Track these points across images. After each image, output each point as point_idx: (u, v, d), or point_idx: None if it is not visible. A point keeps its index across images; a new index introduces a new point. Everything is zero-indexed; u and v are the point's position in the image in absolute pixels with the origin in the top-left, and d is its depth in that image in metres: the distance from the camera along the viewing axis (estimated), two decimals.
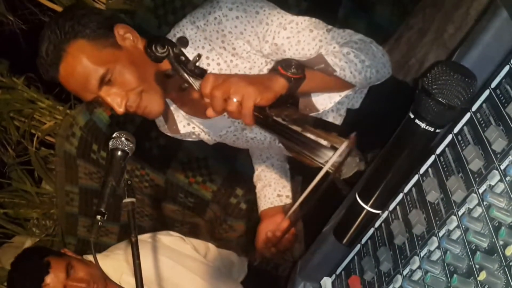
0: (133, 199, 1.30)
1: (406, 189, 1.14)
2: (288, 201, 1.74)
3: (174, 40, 1.35)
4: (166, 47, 1.22)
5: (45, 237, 3.43)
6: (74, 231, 3.25)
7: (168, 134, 1.67)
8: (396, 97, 1.38)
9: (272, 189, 1.76)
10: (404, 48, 1.89)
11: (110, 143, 1.32)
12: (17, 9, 2.80)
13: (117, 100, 1.35)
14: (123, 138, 1.31)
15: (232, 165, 2.56)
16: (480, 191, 0.93)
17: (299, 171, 1.81)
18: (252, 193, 1.92)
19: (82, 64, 1.31)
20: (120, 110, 1.35)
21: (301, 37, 1.37)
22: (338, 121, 1.54)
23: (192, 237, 2.44)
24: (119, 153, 1.31)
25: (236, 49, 1.40)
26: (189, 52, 1.37)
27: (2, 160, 3.10)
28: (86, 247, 3.15)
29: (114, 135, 1.32)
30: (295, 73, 1.23)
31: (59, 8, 2.53)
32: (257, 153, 1.82)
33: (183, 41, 1.27)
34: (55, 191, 3.19)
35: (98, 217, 1.26)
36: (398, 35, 2.02)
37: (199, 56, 1.27)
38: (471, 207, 0.94)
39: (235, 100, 1.15)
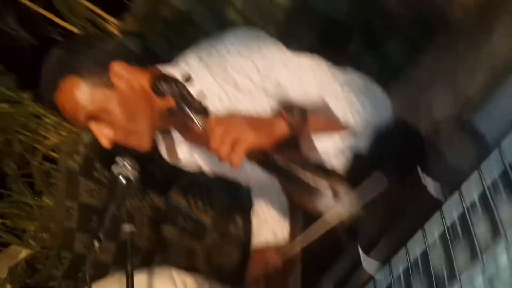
0: (133, 228, 1.29)
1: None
2: (283, 241, 1.71)
3: (177, 68, 1.35)
4: (171, 83, 1.21)
5: (41, 249, 3.41)
6: (70, 246, 3.22)
7: (169, 161, 1.66)
8: (403, 143, 1.36)
9: (269, 227, 1.73)
10: (414, 89, 1.87)
11: (114, 169, 1.31)
12: (29, 25, 2.82)
13: (102, 134, 1.36)
14: (127, 165, 1.30)
15: (234, 193, 2.54)
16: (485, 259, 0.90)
17: (298, 210, 1.78)
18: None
19: (72, 100, 1.34)
20: (106, 144, 1.36)
21: (304, 76, 1.36)
22: (341, 162, 1.52)
23: (188, 262, 2.40)
24: (123, 181, 1.31)
25: (239, 84, 1.39)
26: (192, 84, 1.37)
27: (4, 171, 3.09)
28: (81, 263, 3.13)
29: (118, 160, 1.31)
30: (298, 118, 1.22)
31: (71, 28, 2.55)
32: (257, 187, 1.80)
33: (186, 76, 1.26)
34: (54, 205, 3.18)
35: (96, 243, 1.25)
36: (408, 75, 2.00)
37: (203, 94, 1.26)
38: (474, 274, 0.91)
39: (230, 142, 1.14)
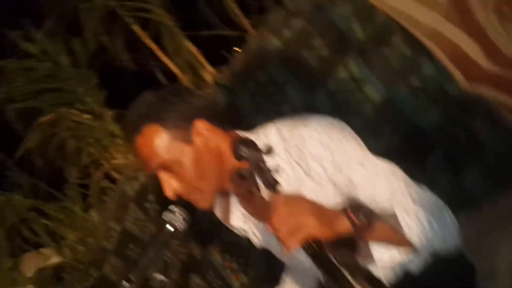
0: (165, 279, 1.27)
1: None
2: None
3: (258, 138, 1.36)
4: (252, 150, 1.22)
5: (72, 260, 3.46)
6: (100, 266, 3.25)
7: (220, 218, 1.66)
8: (456, 277, 1.30)
9: None
10: (483, 226, 1.80)
11: (165, 215, 1.32)
12: (134, 50, 2.98)
13: (169, 186, 1.37)
14: (179, 215, 1.30)
15: (271, 267, 2.49)
16: None
17: None
18: None
19: (150, 146, 1.37)
20: (169, 194, 1.37)
21: (378, 181, 1.34)
22: (389, 276, 1.46)
23: None
24: (170, 229, 1.30)
25: (310, 169, 1.38)
26: (270, 156, 1.37)
27: (64, 176, 3.20)
28: (104, 285, 3.13)
29: (171, 207, 1.31)
30: (363, 221, 1.19)
31: (171, 65, 2.67)
32: (293, 269, 1.75)
33: (269, 149, 1.26)
34: (99, 222, 3.23)
35: (125, 284, 1.24)
36: (481, 210, 1.94)
37: (278, 168, 1.26)
38: None
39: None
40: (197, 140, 1.37)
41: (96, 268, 3.31)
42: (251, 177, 1.23)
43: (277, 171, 1.25)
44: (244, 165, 1.27)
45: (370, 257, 1.32)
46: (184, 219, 1.34)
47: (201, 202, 1.41)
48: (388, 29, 2.38)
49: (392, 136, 2.35)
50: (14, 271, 3.55)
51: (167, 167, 1.36)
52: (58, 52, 3.13)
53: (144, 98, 1.39)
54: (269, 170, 1.24)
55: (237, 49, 2.84)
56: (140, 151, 1.37)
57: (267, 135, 1.43)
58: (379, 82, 2.39)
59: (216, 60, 2.86)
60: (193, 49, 2.75)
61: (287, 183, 1.40)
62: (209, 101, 1.44)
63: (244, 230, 1.62)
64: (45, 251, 3.55)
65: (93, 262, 3.33)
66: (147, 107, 1.37)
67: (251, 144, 1.23)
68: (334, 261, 1.24)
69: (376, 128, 2.35)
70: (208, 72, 2.58)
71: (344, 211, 1.21)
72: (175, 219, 1.33)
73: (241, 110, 2.38)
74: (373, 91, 2.41)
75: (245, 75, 2.56)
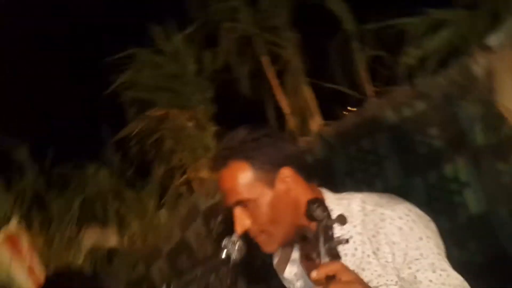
0: None
1: None
2: None
3: (338, 204, 1.32)
4: (325, 214, 1.18)
5: (126, 248, 3.55)
6: (149, 263, 3.31)
7: (274, 266, 1.62)
8: None
9: None
10: None
11: (225, 241, 1.32)
12: (255, 77, 3.05)
13: (242, 222, 1.36)
14: (237, 247, 1.29)
15: None
16: None
17: None
18: None
19: (232, 181, 1.36)
20: (239, 230, 1.35)
21: None
22: None
23: None
24: (224, 256, 1.29)
25: (379, 251, 1.31)
26: (341, 226, 1.33)
27: (150, 170, 3.31)
28: (147, 282, 3.17)
29: (233, 237, 1.30)
30: None
31: (284, 103, 2.70)
32: None
33: (342, 219, 1.22)
34: (164, 223, 3.31)
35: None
36: None
37: (347, 241, 1.21)
38: None
39: None
40: (280, 186, 1.37)
41: (145, 263, 3.37)
42: (315, 240, 1.19)
43: (342, 242, 1.20)
44: (312, 227, 1.24)
45: None
46: (240, 252, 1.34)
47: (266, 245, 1.40)
48: (510, 145, 2.25)
49: (477, 252, 2.19)
50: (75, 241, 3.70)
51: (243, 205, 1.36)
52: (188, 57, 3.28)
53: (239, 133, 1.40)
54: (334, 240, 1.19)
55: (351, 109, 2.82)
56: (222, 183, 1.38)
57: (350, 203, 1.39)
58: (483, 193, 2.24)
59: (327, 112, 2.85)
60: (310, 95, 2.76)
61: (353, 255, 1.34)
62: (302, 151, 1.43)
63: (293, 285, 1.58)
64: (107, 230, 3.67)
65: (144, 257, 3.39)
66: (239, 143, 1.38)
67: (325, 208, 1.19)
68: None
69: (463, 238, 2.20)
70: (316, 122, 2.57)
71: None
72: (232, 249, 1.33)
73: (335, 170, 2.33)
74: (474, 200, 2.27)
75: (350, 137, 2.52)
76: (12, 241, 3.59)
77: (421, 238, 1.28)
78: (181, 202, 3.24)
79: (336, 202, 1.41)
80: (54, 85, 4.25)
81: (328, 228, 1.18)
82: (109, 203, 3.47)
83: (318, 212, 1.18)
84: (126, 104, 3.46)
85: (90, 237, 3.72)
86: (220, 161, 1.37)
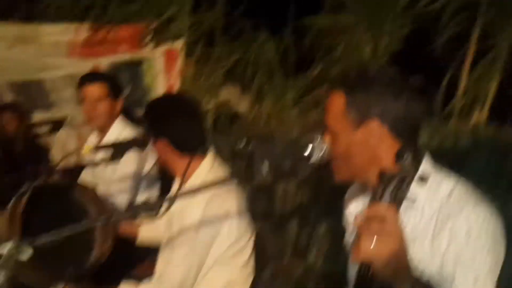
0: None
1: None
2: None
3: (435, 176, 1.33)
4: (411, 167, 1.17)
5: (250, 118, 3.74)
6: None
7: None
8: None
9: None
10: None
11: (312, 142, 1.44)
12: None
13: (327, 142, 1.45)
14: (320, 152, 1.42)
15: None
16: None
17: None
18: None
19: (329, 106, 1.43)
20: (326, 142, 1.43)
21: None
22: None
23: None
24: (307, 153, 1.42)
25: (439, 236, 1.31)
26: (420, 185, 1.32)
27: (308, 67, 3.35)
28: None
29: (320, 142, 1.40)
30: None
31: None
32: None
33: (422, 179, 1.20)
34: (289, 121, 3.40)
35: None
36: None
37: (413, 201, 1.21)
38: None
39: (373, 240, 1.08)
40: (361, 133, 1.39)
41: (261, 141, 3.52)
42: (386, 184, 1.18)
43: (409, 199, 1.19)
44: (393, 170, 1.22)
45: None
46: (321, 158, 1.42)
47: (337, 173, 1.45)
48: None
49: None
50: (214, 89, 3.95)
51: (331, 130, 1.42)
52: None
53: (373, 72, 1.42)
54: (404, 193, 1.17)
55: None
56: (327, 104, 1.44)
57: (442, 181, 1.35)
58: None
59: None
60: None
61: (415, 224, 1.33)
62: (415, 117, 1.39)
63: (349, 226, 1.62)
64: (243, 96, 3.85)
65: (255, 137, 3.53)
66: (360, 78, 1.40)
67: (417, 162, 1.17)
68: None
69: None
70: (482, 115, 2.41)
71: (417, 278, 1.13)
72: (316, 151, 1.43)
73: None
74: None
75: None
76: (170, 55, 3.93)
77: (483, 248, 1.25)
78: (312, 112, 3.29)
79: (432, 171, 1.38)
80: None
81: (404, 180, 1.17)
82: (259, 73, 3.61)
83: (406, 162, 1.18)
84: None
85: (227, 93, 3.95)
86: (336, 84, 1.41)
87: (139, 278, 2.23)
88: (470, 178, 2.26)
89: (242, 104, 3.79)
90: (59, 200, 2.13)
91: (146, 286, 2.08)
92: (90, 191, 2.22)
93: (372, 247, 1.07)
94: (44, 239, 1.29)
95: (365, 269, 1.13)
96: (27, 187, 2.03)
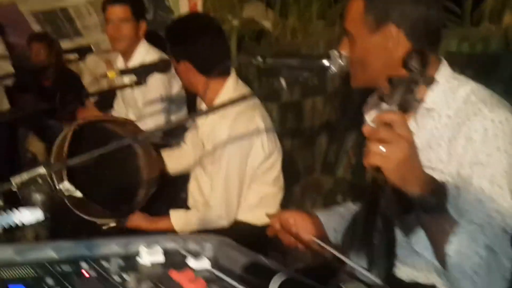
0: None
1: None
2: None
3: (446, 76, 1.36)
4: (418, 68, 1.15)
5: (276, 34, 3.67)
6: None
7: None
8: None
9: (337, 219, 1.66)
10: None
11: (331, 52, 1.41)
12: None
13: (343, 46, 1.45)
14: (339, 61, 1.44)
15: None
16: None
17: None
18: None
19: (348, 10, 1.43)
20: (341, 50, 1.44)
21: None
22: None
23: None
24: (326, 63, 1.46)
25: (455, 140, 1.32)
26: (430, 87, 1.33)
27: None
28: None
29: (338, 52, 1.40)
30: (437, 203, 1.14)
31: None
32: None
33: (429, 81, 1.19)
34: (314, 33, 3.33)
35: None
36: None
37: (419, 101, 1.21)
38: None
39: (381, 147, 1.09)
40: (379, 37, 1.38)
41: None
42: (395, 87, 1.18)
43: (418, 101, 1.18)
44: (402, 75, 1.21)
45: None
46: (341, 68, 1.43)
47: (353, 79, 1.47)
48: None
49: None
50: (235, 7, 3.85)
51: (349, 34, 1.42)
52: None
53: None
54: (413, 95, 1.17)
55: None
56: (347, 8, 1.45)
57: (460, 86, 1.35)
58: None
59: None
60: None
61: (431, 130, 1.34)
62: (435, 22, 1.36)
63: None
64: (268, 12, 3.76)
65: (276, 53, 3.48)
66: None
67: (422, 65, 1.16)
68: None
69: None
70: None
71: (433, 179, 1.16)
72: (335, 61, 1.43)
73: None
74: None
75: None
76: None
77: (498, 149, 1.25)
78: (337, 24, 3.20)
79: (447, 78, 1.37)
80: None
81: (413, 82, 1.16)
82: None
83: (413, 63, 1.17)
84: None
85: (251, 10, 3.87)
86: None
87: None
88: (501, 82, 2.23)
89: (267, 21, 3.72)
90: (101, 135, 2.20)
91: (195, 213, 2.17)
92: (130, 124, 2.29)
93: (380, 151, 1.08)
94: (79, 159, 1.31)
95: (376, 175, 1.14)
96: (72, 125, 2.10)
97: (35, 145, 4.35)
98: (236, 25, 3.77)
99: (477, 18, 2.58)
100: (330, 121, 2.99)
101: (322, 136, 3.03)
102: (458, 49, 2.44)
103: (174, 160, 2.44)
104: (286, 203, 2.46)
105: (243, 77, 2.32)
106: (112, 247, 1.16)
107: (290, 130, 3.20)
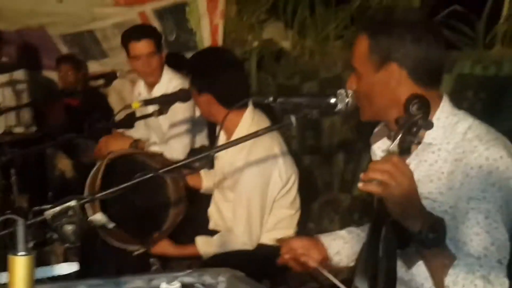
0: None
1: None
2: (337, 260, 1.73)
3: (447, 115, 1.43)
4: (419, 113, 1.23)
5: (294, 54, 3.74)
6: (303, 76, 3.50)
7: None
8: None
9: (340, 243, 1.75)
10: None
11: (339, 90, 1.49)
12: None
13: (350, 84, 1.52)
14: (346, 100, 1.49)
15: None
16: None
17: None
18: None
19: (354, 48, 1.49)
20: (348, 86, 1.50)
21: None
22: None
23: None
24: (332, 100, 1.52)
25: (453, 175, 1.39)
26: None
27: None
28: None
29: (346, 91, 1.47)
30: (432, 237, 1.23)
31: None
32: None
33: (429, 124, 1.27)
34: (331, 54, 3.40)
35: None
36: None
37: (419, 143, 1.29)
38: None
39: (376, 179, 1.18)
40: (382, 75, 1.45)
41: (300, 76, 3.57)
42: (398, 132, 1.26)
43: (415, 142, 1.27)
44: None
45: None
46: (347, 106, 1.49)
47: (362, 112, 1.53)
48: None
49: None
50: (257, 28, 3.93)
51: (356, 71, 1.49)
52: None
53: (397, 12, 1.47)
54: (413, 136, 1.25)
55: None
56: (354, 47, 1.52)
57: (458, 122, 1.43)
58: None
59: None
60: None
61: (431, 164, 1.41)
62: (436, 58, 1.43)
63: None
64: (287, 32, 3.83)
65: (300, 72, 3.56)
66: (384, 20, 1.45)
67: (422, 110, 1.24)
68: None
69: None
70: None
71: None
72: (341, 99, 1.49)
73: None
74: None
75: None
76: None
77: (493, 185, 1.31)
78: None
79: (447, 114, 1.45)
80: None
81: (414, 125, 1.24)
82: (301, 6, 3.55)
83: (414, 109, 1.25)
84: None
85: (270, 31, 3.95)
86: (360, 26, 1.47)
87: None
88: None
89: (286, 41, 3.80)
90: (132, 166, 2.32)
91: (220, 239, 2.26)
92: (158, 156, 2.40)
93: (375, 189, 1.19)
94: (110, 192, 1.37)
95: (380, 204, 1.24)
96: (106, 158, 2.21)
97: (63, 162, 4.51)
98: (256, 45, 3.85)
99: (490, 41, 2.62)
100: (347, 140, 3.06)
101: (339, 155, 3.10)
102: (471, 72, 2.49)
103: (211, 178, 2.53)
104: (304, 221, 2.54)
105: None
106: (137, 282, 1.28)
107: (309, 147, 3.28)
